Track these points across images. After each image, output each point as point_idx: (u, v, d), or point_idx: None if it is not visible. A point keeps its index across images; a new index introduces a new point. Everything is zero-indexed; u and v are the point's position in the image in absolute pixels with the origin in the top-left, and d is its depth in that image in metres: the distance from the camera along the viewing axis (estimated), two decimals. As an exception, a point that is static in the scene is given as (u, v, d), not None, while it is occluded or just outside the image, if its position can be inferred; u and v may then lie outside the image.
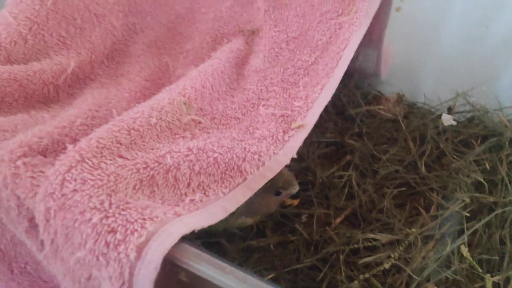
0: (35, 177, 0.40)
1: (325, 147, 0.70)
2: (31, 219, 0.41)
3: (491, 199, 0.60)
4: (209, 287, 0.37)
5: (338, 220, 0.60)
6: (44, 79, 0.55)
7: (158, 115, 0.46)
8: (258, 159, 0.47)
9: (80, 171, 0.38)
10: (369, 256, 0.55)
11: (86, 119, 0.50)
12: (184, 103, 0.50)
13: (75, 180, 0.37)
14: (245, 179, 0.46)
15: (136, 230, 0.35)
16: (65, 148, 0.42)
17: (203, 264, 0.34)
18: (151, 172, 0.41)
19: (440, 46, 0.76)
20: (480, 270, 0.53)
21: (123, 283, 0.34)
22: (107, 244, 0.35)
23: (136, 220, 0.35)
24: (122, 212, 0.36)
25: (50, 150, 0.45)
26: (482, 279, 0.52)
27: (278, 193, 0.54)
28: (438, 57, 0.76)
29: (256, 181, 0.46)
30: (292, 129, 0.52)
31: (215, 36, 0.68)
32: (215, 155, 0.45)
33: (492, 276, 0.52)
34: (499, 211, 0.57)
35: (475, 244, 0.56)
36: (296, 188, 0.56)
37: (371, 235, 0.56)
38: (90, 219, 0.35)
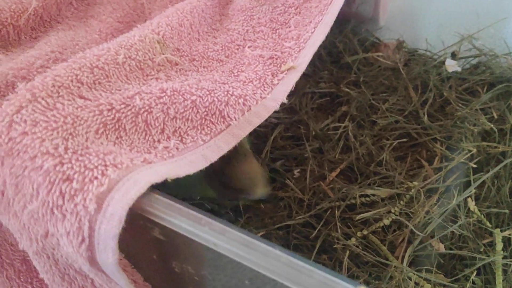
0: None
1: (319, 98, 0.64)
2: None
3: (500, 148, 0.55)
4: (186, 243, 0.32)
5: (333, 174, 0.54)
6: (2, 20, 0.49)
7: (127, 53, 0.40)
8: (243, 104, 0.42)
9: (31, 112, 0.32)
10: (367, 212, 0.50)
11: (47, 61, 0.44)
12: (158, 42, 0.44)
13: (25, 121, 0.32)
14: (228, 125, 0.40)
15: (96, 177, 0.29)
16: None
17: (176, 216, 0.29)
18: (117, 115, 0.35)
19: (444, -13, 0.69)
20: (488, 224, 0.48)
21: (82, 240, 0.29)
22: (62, 195, 0.29)
23: (96, 167, 0.30)
24: (80, 158, 0.30)
25: (3, 92, 0.39)
26: (491, 234, 0.48)
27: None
28: (441, -1, 0.69)
29: (241, 127, 0.41)
30: (282, 72, 0.46)
31: (197, -26, 0.61)
32: (194, 97, 0.39)
33: (502, 231, 0.48)
34: (508, 160, 0.53)
35: (482, 197, 0.51)
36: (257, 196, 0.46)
37: (369, 190, 0.51)
38: (41, 166, 0.30)
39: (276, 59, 0.48)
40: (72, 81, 0.36)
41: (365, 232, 0.48)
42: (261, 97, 0.43)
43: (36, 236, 0.32)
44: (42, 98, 0.33)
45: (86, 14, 0.56)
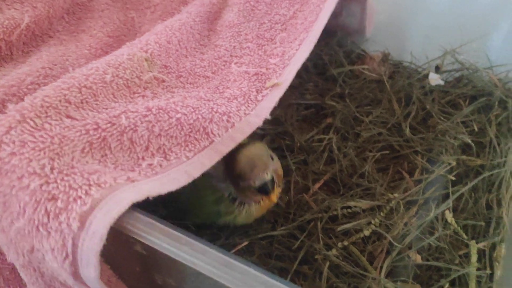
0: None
1: (305, 110, 0.66)
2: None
3: (479, 162, 0.56)
4: (167, 259, 0.34)
5: (317, 185, 0.56)
6: (-6, 35, 0.50)
7: (114, 71, 0.42)
8: (227, 120, 0.43)
9: (20, 133, 0.34)
10: (349, 223, 0.52)
11: (37, 78, 0.45)
12: (146, 59, 0.46)
13: (14, 142, 0.33)
14: (212, 141, 0.42)
15: (79, 197, 0.31)
16: (9, 108, 0.38)
17: (156, 235, 0.31)
18: (103, 134, 0.37)
19: (429, 1, 0.71)
20: (465, 236, 0.50)
21: (66, 256, 0.31)
22: (47, 213, 0.31)
23: (80, 187, 0.32)
24: (65, 178, 0.32)
25: (-6, 111, 0.40)
26: (467, 245, 0.50)
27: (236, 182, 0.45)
28: (427, 13, 0.71)
29: (225, 143, 0.42)
30: (266, 88, 0.48)
31: (186, -11, 0.63)
32: (178, 115, 0.41)
33: (477, 243, 0.50)
34: (486, 174, 0.54)
35: (460, 209, 0.53)
36: (257, 182, 0.44)
37: (351, 202, 0.53)
38: (28, 186, 0.31)
39: (261, 75, 0.49)
40: (60, 101, 0.37)
41: (345, 243, 0.50)
42: (245, 113, 0.45)
43: (23, 250, 0.34)
44: (31, 119, 0.35)
45: (77, 28, 0.57)
